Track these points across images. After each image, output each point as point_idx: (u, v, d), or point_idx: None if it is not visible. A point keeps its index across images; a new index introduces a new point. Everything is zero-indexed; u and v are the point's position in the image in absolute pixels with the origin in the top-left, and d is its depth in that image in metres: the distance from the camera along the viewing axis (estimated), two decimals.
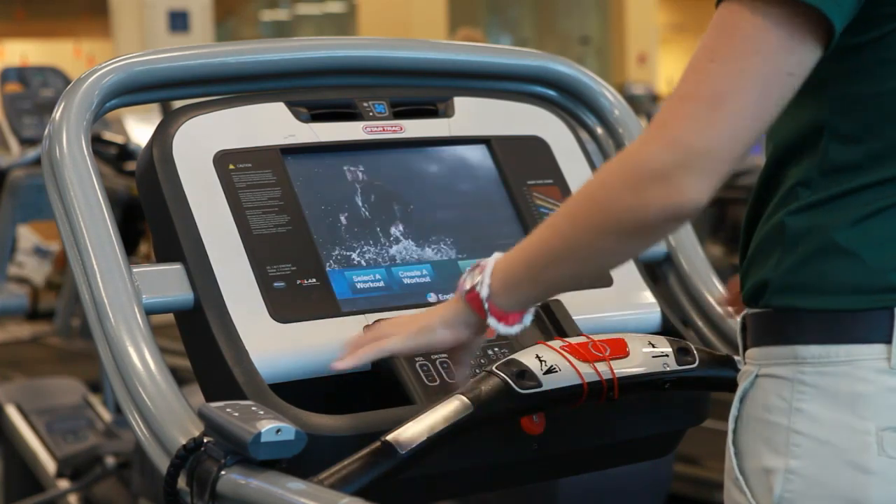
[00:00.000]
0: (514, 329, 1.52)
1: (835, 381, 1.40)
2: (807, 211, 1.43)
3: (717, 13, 1.38)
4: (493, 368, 1.57)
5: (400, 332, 1.56)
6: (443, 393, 1.59)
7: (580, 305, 1.82)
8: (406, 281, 1.80)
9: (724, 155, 1.34)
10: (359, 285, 1.76)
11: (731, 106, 1.33)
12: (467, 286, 1.52)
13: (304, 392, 1.64)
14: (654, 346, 1.66)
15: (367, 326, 1.66)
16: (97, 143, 4.27)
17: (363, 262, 1.79)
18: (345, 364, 1.56)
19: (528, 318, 1.52)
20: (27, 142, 4.19)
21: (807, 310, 1.42)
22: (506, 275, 1.50)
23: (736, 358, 1.74)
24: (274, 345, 1.66)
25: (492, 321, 1.51)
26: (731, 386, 1.72)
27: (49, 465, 4.03)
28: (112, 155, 4.38)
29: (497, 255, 1.53)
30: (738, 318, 1.53)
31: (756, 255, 1.47)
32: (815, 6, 1.33)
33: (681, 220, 1.37)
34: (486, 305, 1.50)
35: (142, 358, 1.58)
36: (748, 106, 1.34)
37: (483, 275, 1.51)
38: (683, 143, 1.33)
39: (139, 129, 6.97)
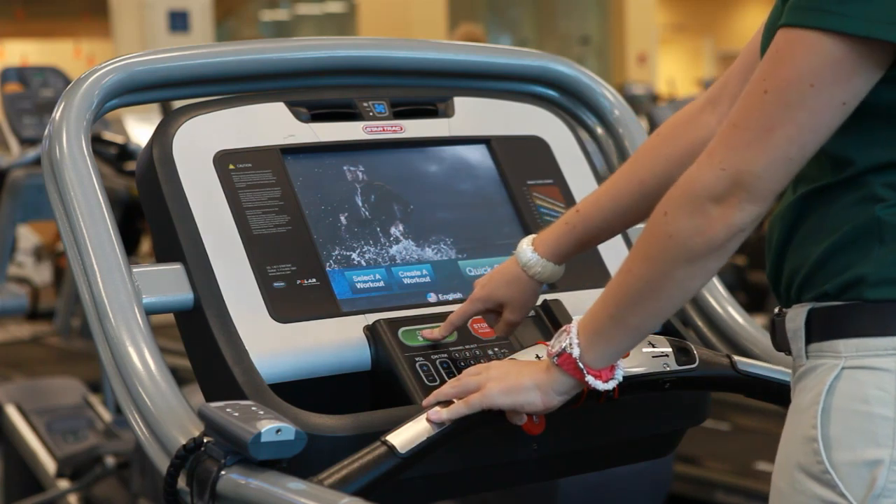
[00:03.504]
0: (610, 385, 1.51)
1: None
2: None
3: (776, 40, 1.39)
4: None
5: (491, 385, 1.54)
6: None
7: (580, 305, 1.82)
8: (406, 281, 1.80)
9: (773, 178, 1.39)
10: (359, 285, 1.76)
11: (781, 135, 1.37)
12: (556, 350, 1.52)
13: (304, 392, 1.64)
14: (654, 346, 1.66)
15: (453, 380, 1.59)
16: (97, 143, 4.27)
17: (363, 262, 1.78)
18: (443, 417, 1.53)
19: (620, 374, 1.52)
20: (27, 142, 4.18)
21: None
22: (593, 329, 1.50)
23: (737, 359, 1.74)
24: (274, 345, 1.66)
25: (590, 379, 1.50)
26: (732, 386, 1.72)
27: (49, 465, 4.02)
28: (112, 155, 4.38)
29: (578, 318, 1.52)
30: (797, 311, 1.49)
31: (838, 250, 1.46)
32: (878, 38, 1.34)
33: (745, 234, 1.42)
34: (581, 365, 1.50)
35: (142, 358, 1.58)
36: (798, 136, 1.38)
37: (570, 336, 1.51)
38: (735, 169, 1.39)
39: (139, 129, 6.97)
